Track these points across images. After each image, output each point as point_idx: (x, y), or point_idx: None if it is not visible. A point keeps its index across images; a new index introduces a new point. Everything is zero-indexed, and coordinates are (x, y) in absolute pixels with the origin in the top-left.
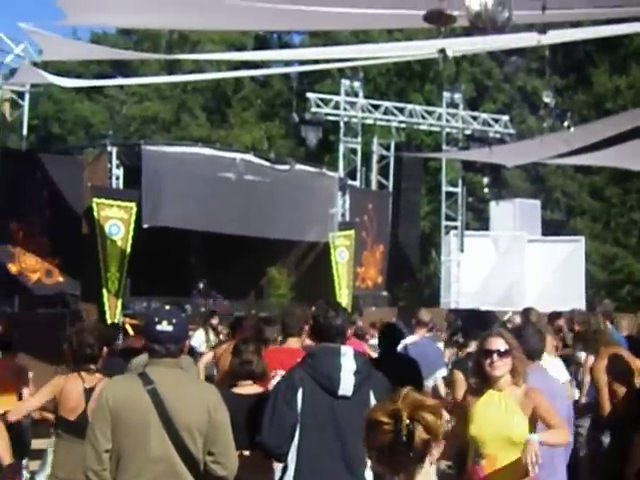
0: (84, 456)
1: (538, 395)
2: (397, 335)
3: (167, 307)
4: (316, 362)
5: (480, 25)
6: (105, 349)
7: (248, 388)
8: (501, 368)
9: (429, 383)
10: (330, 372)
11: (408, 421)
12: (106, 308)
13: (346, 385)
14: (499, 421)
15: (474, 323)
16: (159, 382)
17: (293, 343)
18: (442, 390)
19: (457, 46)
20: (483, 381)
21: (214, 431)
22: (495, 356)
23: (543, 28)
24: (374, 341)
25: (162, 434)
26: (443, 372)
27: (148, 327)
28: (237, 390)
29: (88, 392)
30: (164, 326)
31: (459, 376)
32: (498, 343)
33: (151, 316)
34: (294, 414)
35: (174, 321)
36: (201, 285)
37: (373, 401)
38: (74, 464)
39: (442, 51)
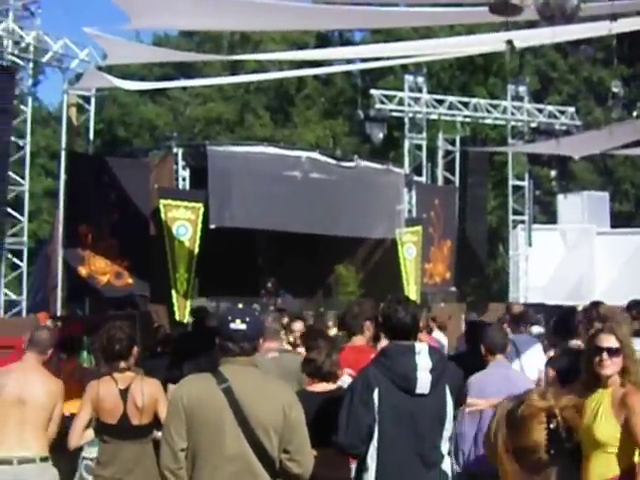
0: (131, 455)
1: (636, 400)
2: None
3: (240, 305)
4: (391, 361)
5: (548, 14)
6: (136, 348)
7: (318, 386)
8: (610, 367)
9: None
10: (406, 372)
11: (560, 419)
12: (175, 309)
13: (423, 384)
14: (588, 421)
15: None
16: (233, 380)
17: (358, 341)
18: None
19: (525, 37)
20: (593, 379)
21: (289, 429)
22: (605, 354)
23: (613, 16)
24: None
25: (237, 432)
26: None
27: (221, 326)
28: (309, 388)
29: (123, 393)
30: (238, 324)
31: (551, 373)
32: (610, 341)
33: (224, 315)
34: (371, 414)
35: (248, 319)
36: (269, 284)
37: (449, 396)
38: (121, 464)
39: (509, 42)
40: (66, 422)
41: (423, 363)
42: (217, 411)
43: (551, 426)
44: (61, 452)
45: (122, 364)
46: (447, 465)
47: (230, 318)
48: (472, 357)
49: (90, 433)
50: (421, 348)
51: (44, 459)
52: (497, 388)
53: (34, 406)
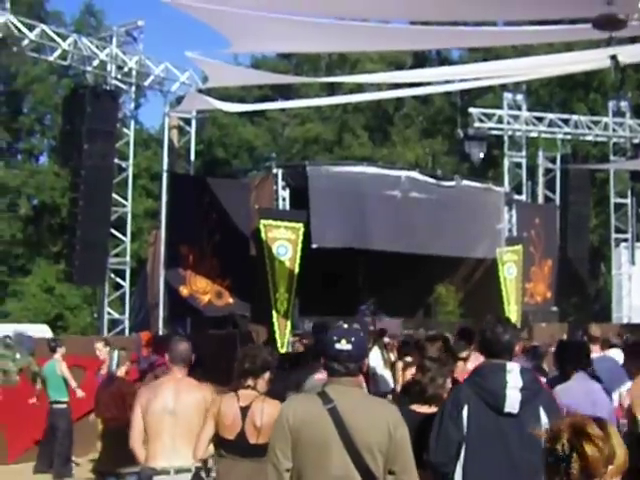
0: (245, 473)
1: None
2: (576, 352)
3: (345, 325)
4: (481, 379)
5: None
6: (268, 374)
7: (421, 407)
8: None
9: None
10: (495, 389)
11: (566, 443)
12: (275, 328)
13: (511, 402)
14: None
15: None
16: (339, 401)
17: None
18: (625, 404)
19: (630, 53)
20: None
21: (395, 450)
22: None
23: None
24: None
25: (343, 453)
26: (628, 385)
27: (326, 345)
28: (413, 407)
29: (244, 410)
30: (343, 345)
31: None
32: None
33: (330, 335)
34: (460, 432)
35: (353, 339)
36: (368, 304)
37: (544, 418)
38: None
39: (614, 58)
40: None
41: (513, 381)
42: (322, 432)
43: (551, 450)
44: None
45: (249, 382)
46: None
47: (335, 338)
48: (561, 379)
49: (211, 447)
50: (512, 367)
51: (199, 468)
52: (577, 402)
53: (184, 416)
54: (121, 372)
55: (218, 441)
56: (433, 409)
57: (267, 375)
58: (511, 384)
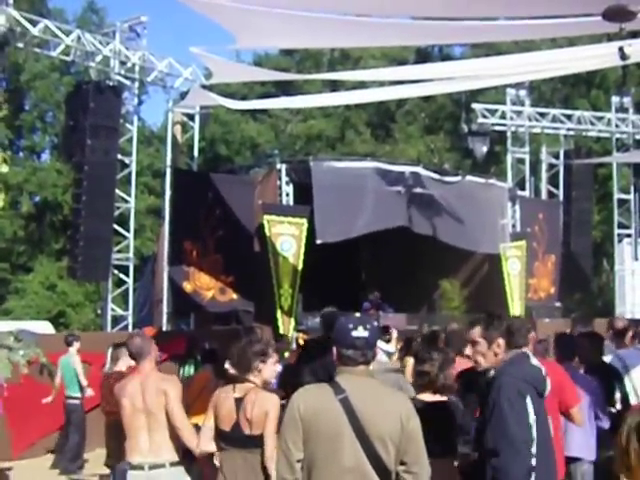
0: (244, 463)
1: None
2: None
3: (357, 314)
4: (521, 367)
5: None
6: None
7: (427, 396)
8: None
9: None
10: (538, 376)
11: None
12: (279, 324)
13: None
14: None
15: None
16: (350, 391)
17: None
18: None
19: (636, 48)
20: None
21: (406, 441)
22: None
23: None
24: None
25: (354, 444)
26: None
27: (342, 334)
28: (419, 396)
29: (238, 402)
30: (360, 332)
31: None
32: None
33: (344, 323)
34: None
35: (368, 326)
36: (372, 298)
37: None
38: (230, 472)
39: (621, 50)
40: None
41: (542, 367)
42: (334, 422)
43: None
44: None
45: (251, 376)
46: None
47: (351, 326)
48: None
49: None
50: (531, 354)
51: (174, 464)
52: None
53: (155, 412)
54: (119, 367)
55: (217, 433)
56: (443, 397)
57: (271, 359)
58: (543, 370)
